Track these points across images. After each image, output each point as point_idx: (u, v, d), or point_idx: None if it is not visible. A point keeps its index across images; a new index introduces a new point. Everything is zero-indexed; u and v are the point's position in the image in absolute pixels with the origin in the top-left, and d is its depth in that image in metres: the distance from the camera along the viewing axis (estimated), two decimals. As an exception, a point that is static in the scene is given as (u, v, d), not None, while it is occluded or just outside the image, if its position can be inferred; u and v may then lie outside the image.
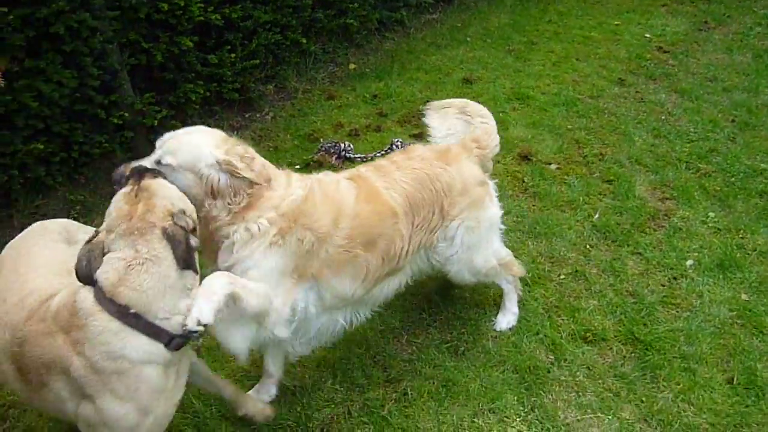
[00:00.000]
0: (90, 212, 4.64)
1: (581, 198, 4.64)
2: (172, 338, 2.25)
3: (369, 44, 7.02)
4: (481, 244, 3.33)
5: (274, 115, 5.86)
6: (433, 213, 3.14)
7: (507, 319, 3.65)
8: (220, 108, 5.63)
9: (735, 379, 3.30)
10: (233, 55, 5.39)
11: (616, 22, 7.84)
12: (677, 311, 3.72)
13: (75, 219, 4.50)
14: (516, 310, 3.67)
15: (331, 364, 3.44)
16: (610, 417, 3.13)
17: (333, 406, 3.23)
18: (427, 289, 3.85)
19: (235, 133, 5.54)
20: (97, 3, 4.36)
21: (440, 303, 3.77)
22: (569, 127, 5.56)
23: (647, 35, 7.48)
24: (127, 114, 4.77)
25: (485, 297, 3.82)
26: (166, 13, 4.75)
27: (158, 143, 2.78)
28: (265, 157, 3.95)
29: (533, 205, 4.59)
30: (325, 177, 3.06)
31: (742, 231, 4.30)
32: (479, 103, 3.99)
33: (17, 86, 4.10)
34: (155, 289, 2.22)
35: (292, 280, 2.81)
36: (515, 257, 3.96)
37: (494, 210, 3.40)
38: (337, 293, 2.94)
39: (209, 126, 5.31)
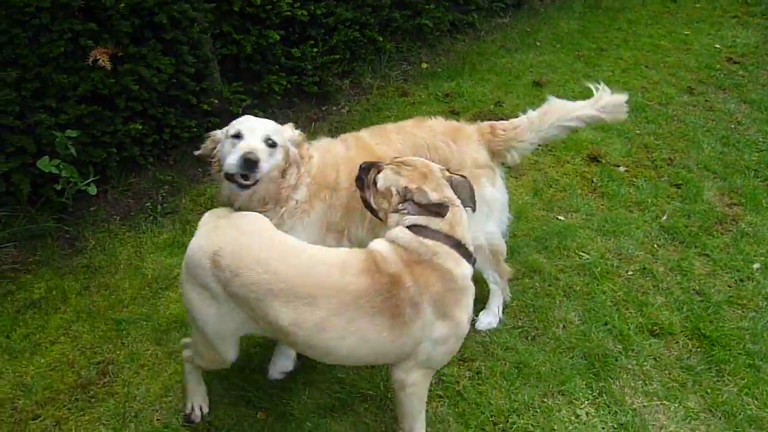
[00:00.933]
0: (178, 191, 4.93)
1: (649, 200, 4.75)
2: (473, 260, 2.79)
3: (441, 45, 7.21)
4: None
5: (349, 109, 6.09)
6: None
7: (488, 319, 3.74)
8: (299, 100, 5.89)
9: (799, 377, 3.40)
10: (315, 49, 5.65)
11: (686, 32, 7.88)
12: (743, 311, 3.81)
13: (163, 197, 4.85)
14: (498, 312, 3.75)
15: (407, 342, 3.63)
16: (675, 405, 3.26)
17: (409, 379, 3.43)
18: (498, 278, 4.03)
19: (313, 124, 5.81)
20: (196, -5, 4.66)
21: (512, 291, 3.93)
22: (638, 132, 5.66)
23: (717, 46, 7.50)
24: (216, 101, 5.05)
25: (555, 287, 3.97)
26: (257, 7, 5.02)
27: (243, 126, 3.05)
28: None
29: (602, 205, 4.72)
30: (323, 139, 3.49)
31: (809, 238, 4.36)
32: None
33: (121, 70, 4.41)
34: (466, 226, 2.77)
35: (332, 235, 3.23)
36: (585, 253, 4.13)
37: (492, 192, 3.50)
38: (357, 238, 3.29)
39: (289, 117, 5.64)
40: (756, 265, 4.14)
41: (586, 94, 5.97)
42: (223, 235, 2.77)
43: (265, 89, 5.42)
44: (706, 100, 6.26)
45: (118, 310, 3.92)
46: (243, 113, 5.12)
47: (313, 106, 6.02)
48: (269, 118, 5.23)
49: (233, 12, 4.95)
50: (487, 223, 3.54)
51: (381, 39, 6.40)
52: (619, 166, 5.15)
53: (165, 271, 4.19)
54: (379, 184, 2.87)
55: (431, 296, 2.63)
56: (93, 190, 4.51)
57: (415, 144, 3.36)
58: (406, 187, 2.77)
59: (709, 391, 3.33)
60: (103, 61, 4.22)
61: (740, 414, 3.21)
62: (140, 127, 4.62)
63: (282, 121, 5.51)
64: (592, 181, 4.96)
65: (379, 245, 2.74)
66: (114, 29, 4.31)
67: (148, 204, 4.77)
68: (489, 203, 3.49)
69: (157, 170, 5.00)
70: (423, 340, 2.66)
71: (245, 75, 5.35)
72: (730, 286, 4.00)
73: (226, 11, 4.93)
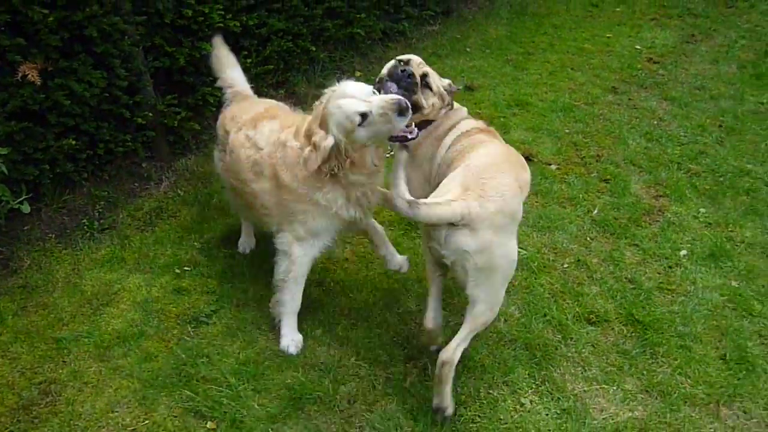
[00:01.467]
0: (114, 207, 4.86)
1: (580, 195, 4.93)
2: None
3: (373, 53, 7.31)
4: None
5: (285, 119, 6.11)
6: None
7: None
8: (235, 111, 5.88)
9: (727, 355, 3.58)
10: (248, 60, 5.65)
11: (608, 35, 8.20)
12: (673, 296, 4.01)
13: (99, 213, 4.77)
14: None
15: (354, 343, 3.68)
16: (614, 388, 3.41)
17: (358, 380, 3.48)
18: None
19: (249, 134, 5.80)
20: (126, 7, 4.61)
21: (452, 289, 4.03)
22: (567, 131, 5.86)
23: (638, 47, 7.83)
24: (150, 114, 5.01)
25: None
26: (189, 19, 5.00)
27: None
28: None
29: (536, 202, 4.87)
30: None
31: (731, 225, 4.60)
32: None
33: (52, 85, 4.33)
34: None
35: None
36: (522, 249, 4.26)
37: None
38: None
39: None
40: (683, 252, 4.35)
41: (516, 98, 6.21)
42: None
43: (200, 101, 5.39)
44: (629, 99, 6.53)
45: (58, 328, 3.84)
46: (178, 126, 5.16)
47: (248, 117, 6.01)
48: (205, 131, 5.25)
49: (165, 24, 4.92)
50: None
51: (314, 49, 6.45)
52: (550, 165, 5.33)
53: (105, 287, 4.13)
54: (434, 87, 3.47)
55: None
56: (26, 208, 4.39)
57: None
58: (450, 84, 3.53)
59: (644, 372, 3.49)
60: (33, 76, 4.13)
61: (675, 393, 3.37)
62: (73, 142, 4.54)
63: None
64: (526, 180, 5.12)
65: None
66: (43, 44, 4.23)
67: (84, 220, 4.69)
68: None
69: (93, 186, 4.92)
70: None
71: (179, 87, 5.31)
72: (659, 273, 4.19)
73: (157, 24, 4.90)
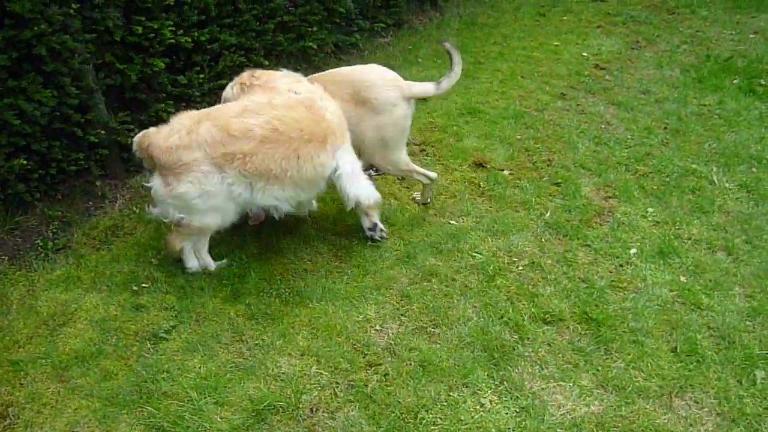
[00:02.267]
0: (69, 226, 4.81)
1: (533, 199, 5.04)
2: None
3: (326, 66, 7.33)
4: None
5: (240, 133, 6.12)
6: None
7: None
8: (189, 127, 5.86)
9: (678, 348, 3.70)
10: (201, 76, 5.66)
11: (555, 43, 8.40)
12: (624, 293, 4.12)
13: (53, 233, 4.72)
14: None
15: (314, 353, 3.70)
16: (570, 385, 3.49)
17: (320, 388, 3.50)
18: (398, 284, 4.18)
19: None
20: (75, 26, 4.59)
21: (411, 295, 4.09)
22: (518, 137, 5.99)
23: (585, 54, 8.04)
24: (103, 132, 4.98)
25: (452, 288, 4.16)
26: (140, 35, 5.00)
27: None
28: None
29: (490, 207, 4.97)
30: None
31: (678, 223, 4.75)
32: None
33: (1, 105, 4.29)
34: None
35: None
36: (477, 253, 4.35)
37: None
38: None
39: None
40: (633, 251, 4.48)
41: (468, 106, 6.30)
42: None
43: (153, 118, 5.36)
44: (577, 104, 6.69)
45: (14, 351, 3.78)
46: (132, 143, 5.13)
47: (203, 132, 6.00)
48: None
49: (115, 41, 4.91)
50: None
51: (267, 63, 6.47)
52: (503, 170, 5.43)
53: (61, 308, 4.08)
54: None
55: None
56: (-23, 230, 4.35)
57: None
58: None
59: (599, 368, 3.59)
60: (-20, 96, 4.10)
61: (629, 386, 3.47)
62: (24, 162, 4.48)
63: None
64: (480, 186, 5.22)
65: None
66: (-10, 64, 4.20)
67: (38, 241, 4.63)
68: None
69: (46, 206, 4.86)
70: None
71: (132, 104, 5.29)
72: (611, 272, 4.31)
73: (107, 41, 4.88)
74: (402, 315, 3.97)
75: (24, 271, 4.39)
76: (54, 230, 4.76)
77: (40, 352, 3.77)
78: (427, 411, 3.34)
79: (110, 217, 4.95)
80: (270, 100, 4.04)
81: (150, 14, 5.06)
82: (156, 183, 4.02)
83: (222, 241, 4.61)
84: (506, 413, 3.34)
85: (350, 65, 7.45)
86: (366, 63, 7.50)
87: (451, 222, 4.80)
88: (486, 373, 3.56)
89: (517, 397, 3.43)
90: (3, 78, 4.28)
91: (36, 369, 3.66)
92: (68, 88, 4.63)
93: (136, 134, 5.02)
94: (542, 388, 3.48)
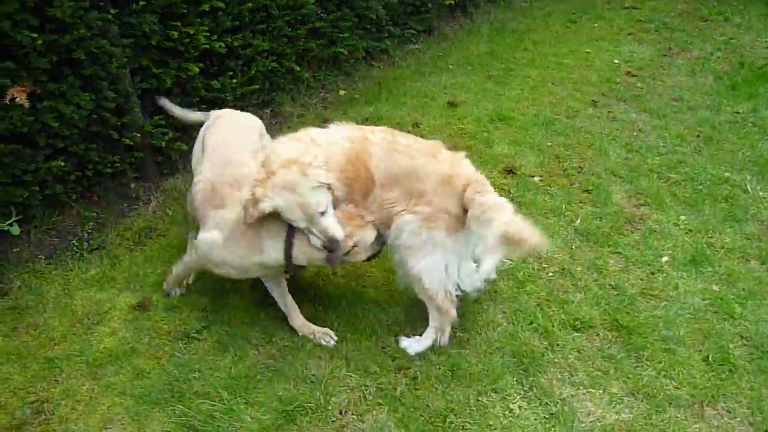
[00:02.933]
0: (103, 227, 4.90)
1: (563, 206, 5.02)
2: None
3: (357, 72, 7.42)
4: None
5: (272, 137, 6.17)
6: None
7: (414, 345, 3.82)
8: (221, 131, 5.94)
9: (710, 357, 3.67)
10: (234, 81, 5.73)
11: (587, 50, 8.36)
12: (656, 301, 4.09)
13: (88, 234, 4.81)
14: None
15: (344, 355, 3.73)
16: (600, 392, 3.48)
17: (349, 390, 3.53)
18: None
19: (236, 154, 5.87)
20: (113, 31, 4.68)
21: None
22: (549, 144, 5.97)
23: (616, 61, 8.00)
24: (138, 135, 5.07)
25: (482, 293, 4.14)
26: (175, 41, 5.08)
27: None
28: None
29: (520, 213, 4.92)
30: None
31: (710, 231, 4.71)
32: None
33: (40, 107, 4.38)
34: None
35: None
36: (507, 259, 4.34)
37: None
38: None
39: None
40: (665, 259, 4.45)
41: (498, 113, 6.29)
42: None
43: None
44: (609, 112, 6.65)
45: (50, 348, 3.87)
46: (166, 147, 5.22)
47: (235, 137, 6.07)
48: (191, 152, 5.32)
49: (152, 46, 5.00)
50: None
51: (298, 68, 6.54)
52: (533, 177, 5.42)
53: (95, 307, 4.16)
54: None
55: None
56: (16, 230, 4.45)
57: None
58: None
59: (630, 376, 3.57)
60: (21, 99, 4.19)
61: (660, 395, 3.45)
62: (62, 164, 4.58)
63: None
64: (510, 192, 5.21)
65: None
66: (31, 67, 4.28)
67: (74, 241, 4.72)
68: None
69: (82, 207, 4.95)
70: None
71: (167, 109, 5.38)
72: (642, 280, 4.28)
73: (144, 46, 4.97)
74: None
75: (60, 271, 4.48)
76: (89, 231, 4.85)
77: (74, 349, 3.84)
78: (455, 415, 3.35)
79: (144, 218, 5.03)
80: None
81: (185, 20, 5.15)
82: None
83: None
84: (535, 419, 3.34)
85: (381, 72, 7.56)
86: (396, 70, 7.60)
87: (481, 227, 4.80)
88: (515, 379, 3.56)
89: (547, 403, 3.42)
90: (43, 81, 4.37)
91: (70, 366, 3.73)
92: (105, 91, 4.72)
93: (169, 137, 5.14)
94: (572, 395, 3.47)
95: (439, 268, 3.58)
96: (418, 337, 3.81)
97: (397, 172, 3.51)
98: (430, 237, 3.49)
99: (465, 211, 3.45)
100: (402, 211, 3.53)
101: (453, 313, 3.69)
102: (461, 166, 3.61)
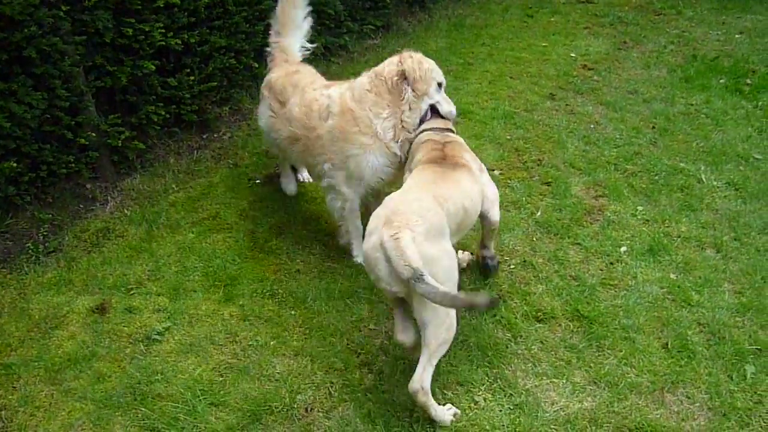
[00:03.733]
0: (60, 229, 4.80)
1: (524, 198, 5.07)
2: None
3: (316, 68, 7.31)
4: None
5: (231, 135, 6.12)
6: None
7: None
8: (179, 129, 5.86)
9: (669, 344, 3.73)
10: (191, 78, 5.65)
11: (543, 44, 8.44)
12: (615, 291, 4.16)
13: (44, 236, 4.71)
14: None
15: (308, 353, 3.72)
16: (563, 381, 3.51)
17: (314, 388, 3.51)
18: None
19: (195, 153, 5.80)
20: (65, 28, 4.58)
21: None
22: (508, 137, 6.02)
23: (573, 55, 8.09)
24: (93, 134, 4.97)
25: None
26: (130, 38, 4.99)
27: None
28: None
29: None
30: None
31: (667, 221, 4.79)
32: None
33: (-9, 107, 4.28)
34: None
35: None
36: (470, 252, 4.37)
37: None
38: None
39: (170, 147, 5.63)
40: (623, 249, 4.52)
41: (458, 106, 6.29)
42: None
43: (144, 120, 5.37)
44: (566, 105, 6.73)
45: (6, 354, 3.78)
46: (123, 146, 5.13)
47: (193, 135, 6.00)
48: (150, 150, 5.25)
49: (105, 44, 4.90)
50: None
51: (257, 65, 6.47)
52: (494, 170, 5.45)
53: (53, 311, 4.08)
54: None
55: None
56: (-33, 234, 4.33)
57: None
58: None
59: (592, 365, 3.61)
60: (-30, 99, 4.09)
61: (621, 382, 3.50)
62: (15, 165, 4.47)
63: (163, 152, 5.52)
64: (471, 186, 5.24)
65: None
66: (-21, 66, 4.19)
67: (29, 244, 4.61)
68: None
69: (36, 209, 4.84)
70: None
71: (122, 107, 5.28)
72: (602, 270, 4.34)
73: (97, 43, 4.87)
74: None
75: (15, 275, 4.38)
76: (45, 233, 4.75)
77: (32, 355, 3.76)
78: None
79: (101, 219, 4.94)
80: None
81: (140, 16, 5.06)
82: None
83: (215, 242, 4.62)
84: (500, 411, 3.36)
85: (339, 68, 7.52)
86: (354, 66, 7.57)
87: (443, 222, 4.81)
88: (479, 371, 3.58)
89: (511, 394, 3.45)
90: (-7, 80, 4.28)
91: (29, 372, 3.65)
92: (58, 90, 4.62)
93: (125, 136, 5.05)
94: (535, 386, 3.50)
95: None
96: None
97: None
98: None
99: None
100: None
101: None
102: None
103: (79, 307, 4.09)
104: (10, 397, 3.50)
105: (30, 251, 4.56)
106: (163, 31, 5.23)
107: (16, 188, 4.65)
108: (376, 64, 6.52)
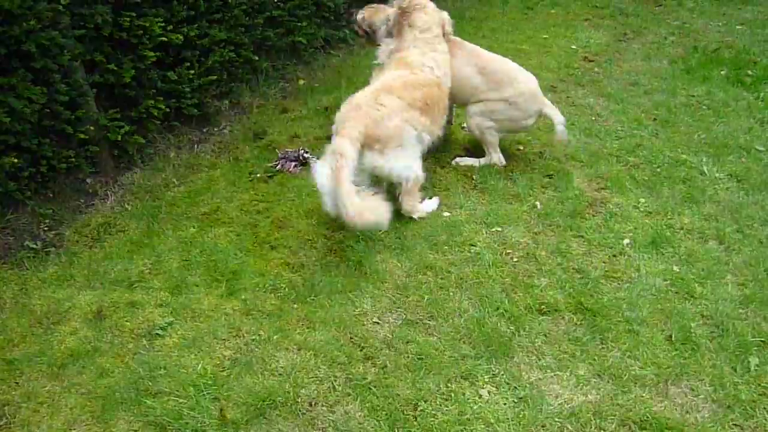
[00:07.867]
0: (60, 224, 4.78)
1: (526, 191, 5.05)
2: None
3: (316, 61, 7.36)
4: None
5: (231, 129, 6.11)
6: None
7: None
8: (179, 123, 5.84)
9: (672, 336, 3.72)
10: (191, 72, 5.63)
11: (544, 36, 8.41)
12: (618, 283, 4.15)
13: (45, 232, 4.69)
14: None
15: (311, 347, 3.70)
16: (567, 374, 3.51)
17: (318, 382, 3.50)
18: (394, 277, 4.18)
19: (195, 146, 5.79)
20: (64, 22, 4.55)
21: (406, 288, 4.09)
22: (509, 130, 6.00)
23: (573, 47, 8.07)
24: (92, 129, 4.95)
25: (448, 280, 4.16)
26: (129, 31, 4.96)
27: None
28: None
29: (483, 199, 4.98)
30: None
31: (669, 213, 4.78)
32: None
33: (-10, 102, 4.26)
34: None
35: None
36: (472, 245, 4.36)
37: None
38: None
39: (171, 141, 5.62)
40: (626, 241, 4.51)
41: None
42: None
43: (144, 114, 5.34)
44: (567, 97, 6.71)
45: (8, 350, 3.76)
46: (122, 140, 5.11)
47: (194, 129, 5.98)
48: (150, 144, 5.25)
49: (105, 37, 4.87)
50: None
51: (257, 58, 6.46)
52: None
53: (55, 306, 4.06)
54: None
55: None
56: (-32, 230, 4.31)
57: None
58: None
59: (596, 358, 3.61)
60: (-31, 94, 4.07)
61: (625, 375, 3.49)
62: (15, 160, 4.45)
63: (164, 147, 5.51)
64: (472, 179, 5.23)
65: None
66: (-22, 60, 4.16)
67: (30, 239, 4.60)
68: None
69: (36, 204, 4.82)
70: None
71: (122, 101, 5.25)
72: (605, 262, 4.33)
73: (97, 37, 4.85)
74: (398, 308, 3.98)
75: (16, 270, 4.36)
76: (45, 228, 4.74)
77: (34, 350, 3.75)
78: (426, 403, 3.35)
79: (102, 214, 4.93)
80: None
81: (139, 10, 5.04)
82: None
83: (216, 236, 4.61)
84: (504, 404, 3.36)
85: (340, 60, 7.50)
86: (354, 59, 7.55)
87: (445, 214, 4.80)
88: (484, 365, 3.57)
89: (515, 387, 3.44)
90: (-9, 75, 4.25)
91: (31, 368, 3.64)
92: (58, 85, 4.60)
93: (125, 130, 5.03)
94: (539, 378, 3.50)
95: None
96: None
97: None
98: None
99: None
100: None
101: None
102: None
103: (80, 302, 4.08)
104: (13, 392, 3.49)
105: (31, 247, 4.55)
106: (163, 24, 5.21)
107: (16, 183, 4.63)
108: (376, 57, 6.51)
